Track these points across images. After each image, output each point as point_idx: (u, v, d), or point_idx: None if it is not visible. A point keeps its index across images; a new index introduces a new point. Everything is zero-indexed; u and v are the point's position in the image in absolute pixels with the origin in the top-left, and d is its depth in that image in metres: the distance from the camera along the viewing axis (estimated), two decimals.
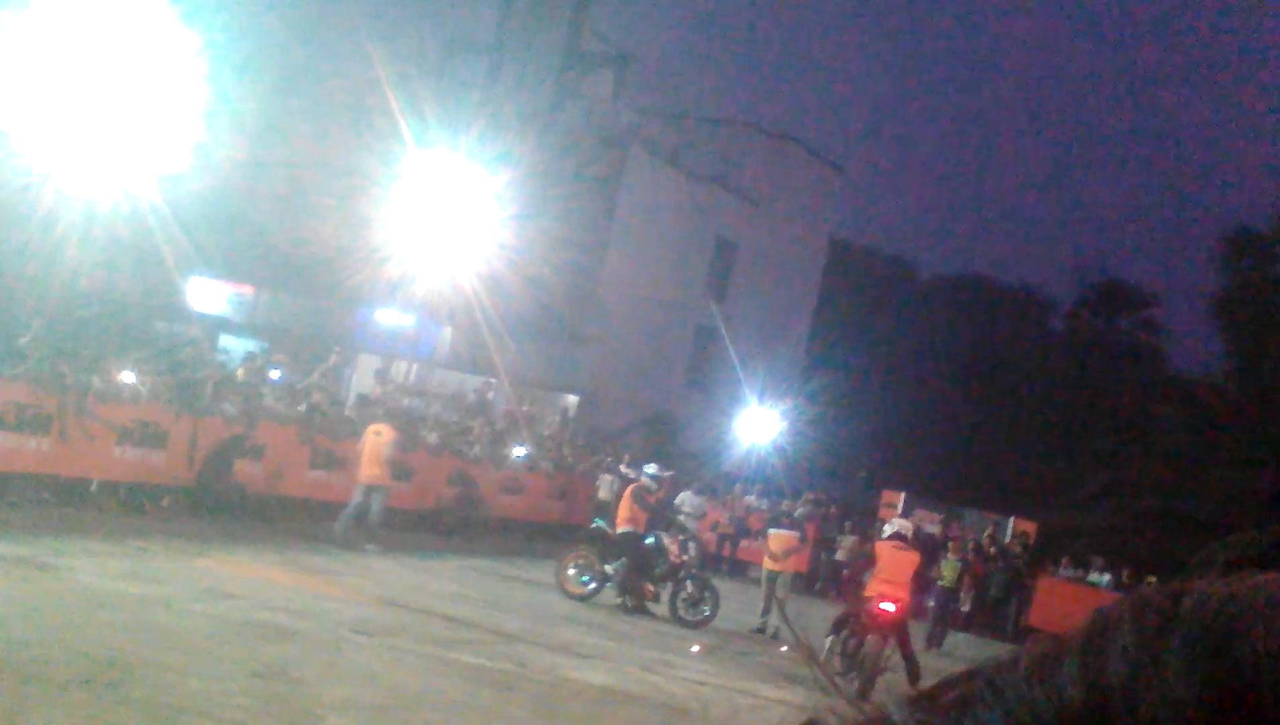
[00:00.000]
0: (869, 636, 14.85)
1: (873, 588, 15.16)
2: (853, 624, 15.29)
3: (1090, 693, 0.44)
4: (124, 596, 11.47)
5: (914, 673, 14.71)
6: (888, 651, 14.83)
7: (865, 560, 16.35)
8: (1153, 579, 25.44)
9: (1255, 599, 0.47)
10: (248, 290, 28.48)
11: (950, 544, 22.57)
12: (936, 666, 18.41)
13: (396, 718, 9.25)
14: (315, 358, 23.11)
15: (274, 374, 21.39)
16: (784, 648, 16.17)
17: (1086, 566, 26.57)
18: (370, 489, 18.64)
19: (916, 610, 15.46)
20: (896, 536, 15.81)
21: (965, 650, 21.44)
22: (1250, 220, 42.77)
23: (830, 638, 15.40)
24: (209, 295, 27.59)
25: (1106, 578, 25.77)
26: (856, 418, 40.75)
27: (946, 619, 20.99)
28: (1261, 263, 42.46)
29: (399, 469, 19.89)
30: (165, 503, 17.38)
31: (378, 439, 18.89)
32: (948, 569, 21.18)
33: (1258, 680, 0.43)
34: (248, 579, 13.67)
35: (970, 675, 0.48)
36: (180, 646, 10.01)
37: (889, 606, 14.98)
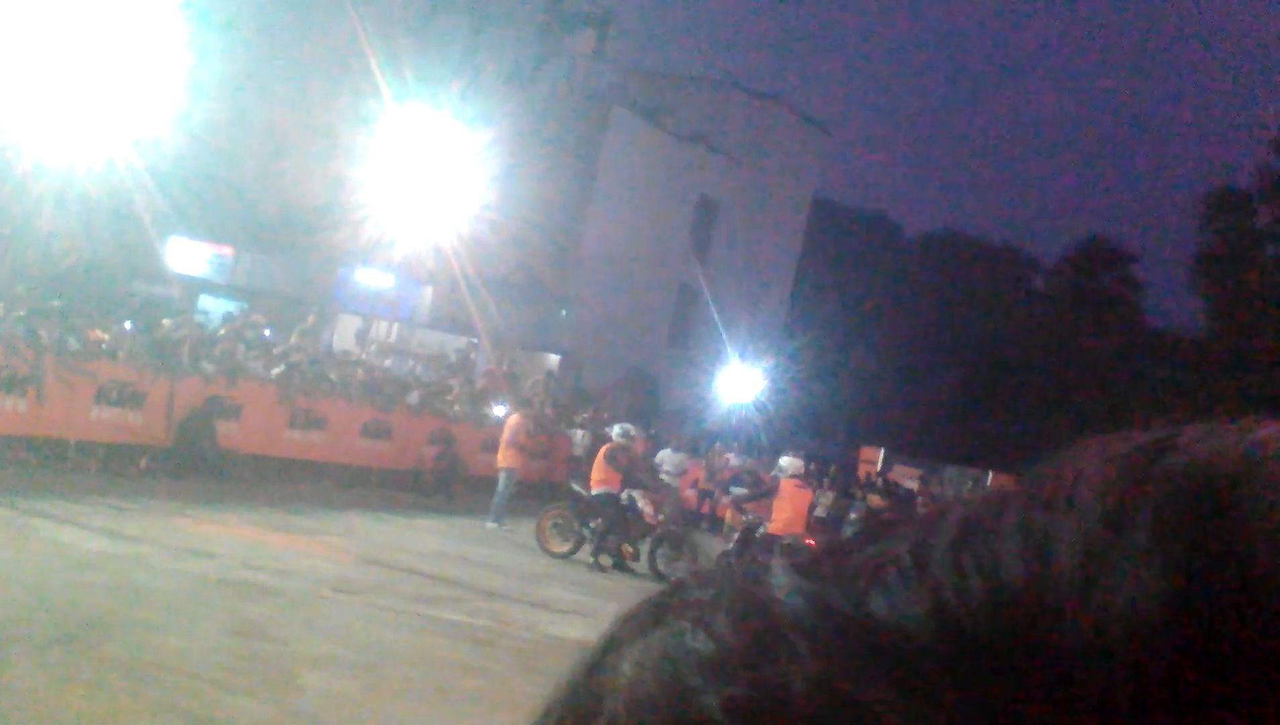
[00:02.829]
0: None
1: (778, 524, 15.88)
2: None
3: (1035, 574, 0.32)
4: (103, 556, 11.50)
5: None
6: None
7: (765, 492, 16.86)
8: None
9: (1257, 457, 0.34)
10: (227, 251, 28.41)
11: (919, 498, 22.66)
12: None
13: (375, 675, 9.32)
14: (296, 318, 23.09)
15: (266, 332, 21.49)
16: None
17: None
18: (503, 471, 20.01)
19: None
20: (796, 476, 16.65)
21: None
22: (1230, 178, 42.94)
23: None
24: (189, 256, 27.52)
25: None
26: (838, 375, 40.89)
27: None
28: (1240, 219, 42.63)
29: (531, 449, 21.29)
30: (144, 463, 17.36)
31: (509, 425, 20.50)
32: None
33: (1250, 567, 0.31)
34: (227, 538, 13.70)
35: (886, 530, 0.36)
36: (159, 606, 10.05)
37: (812, 543, 16.00)
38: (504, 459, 20.15)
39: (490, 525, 19.34)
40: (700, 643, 0.35)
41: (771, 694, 0.32)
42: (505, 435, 20.32)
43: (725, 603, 0.36)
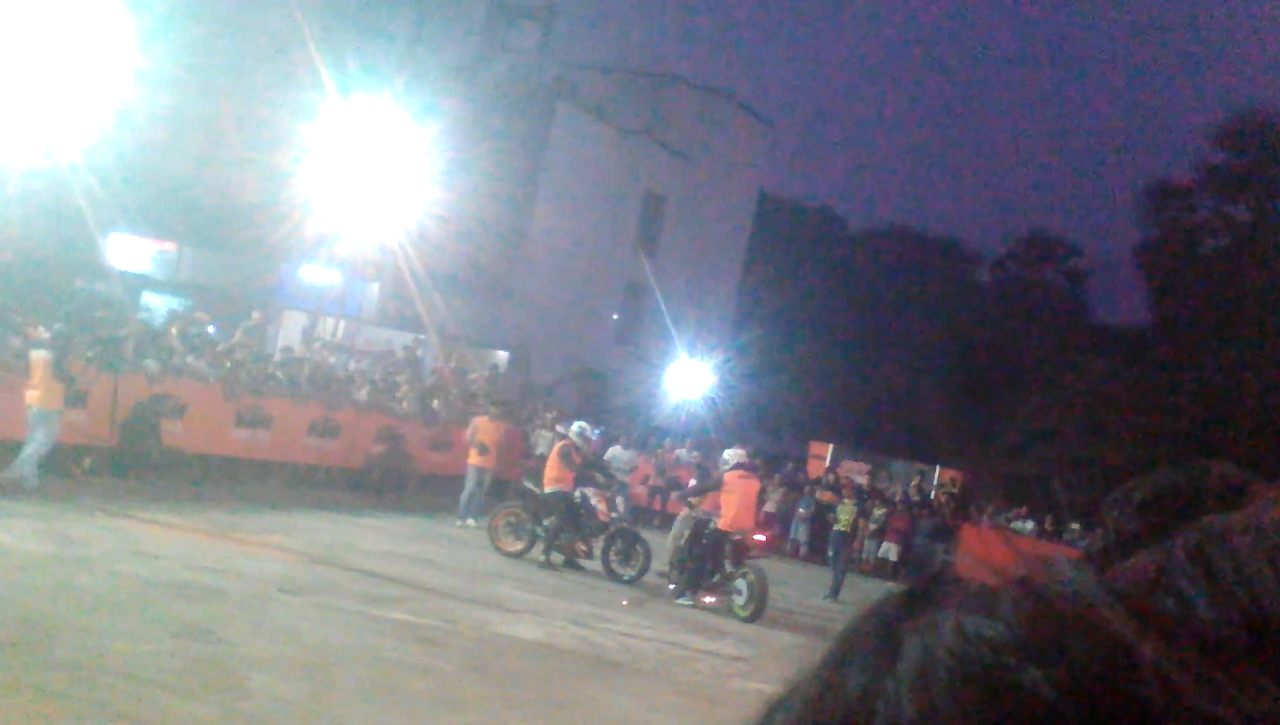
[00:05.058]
0: (748, 563, 15.82)
1: (727, 519, 15.89)
2: (731, 555, 15.93)
3: None
4: (46, 558, 11.33)
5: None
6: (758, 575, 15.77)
7: (711, 486, 16.87)
8: (1075, 526, 25.98)
9: None
10: (170, 247, 28.08)
11: (844, 489, 22.38)
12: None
13: (323, 675, 9.23)
14: (240, 315, 22.85)
15: (211, 329, 21.22)
16: (708, 599, 16.26)
17: (1010, 514, 26.97)
18: (473, 469, 20.16)
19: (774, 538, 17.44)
20: (740, 466, 16.54)
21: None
22: (1171, 173, 43.55)
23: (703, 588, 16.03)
24: (131, 252, 27.17)
25: (1030, 524, 26.19)
26: (785, 370, 41.02)
27: (843, 564, 20.09)
28: (1181, 213, 43.21)
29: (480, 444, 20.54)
30: (87, 463, 17.13)
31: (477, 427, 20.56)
32: (843, 513, 20.36)
33: None
34: (172, 539, 13.55)
35: (1176, 536, 0.36)
36: (104, 608, 9.92)
37: (761, 537, 16.54)
38: (472, 458, 20.17)
39: (470, 522, 19.34)
40: (997, 629, 0.35)
41: (1089, 673, 0.32)
42: (476, 437, 20.23)
43: (1010, 593, 0.36)
